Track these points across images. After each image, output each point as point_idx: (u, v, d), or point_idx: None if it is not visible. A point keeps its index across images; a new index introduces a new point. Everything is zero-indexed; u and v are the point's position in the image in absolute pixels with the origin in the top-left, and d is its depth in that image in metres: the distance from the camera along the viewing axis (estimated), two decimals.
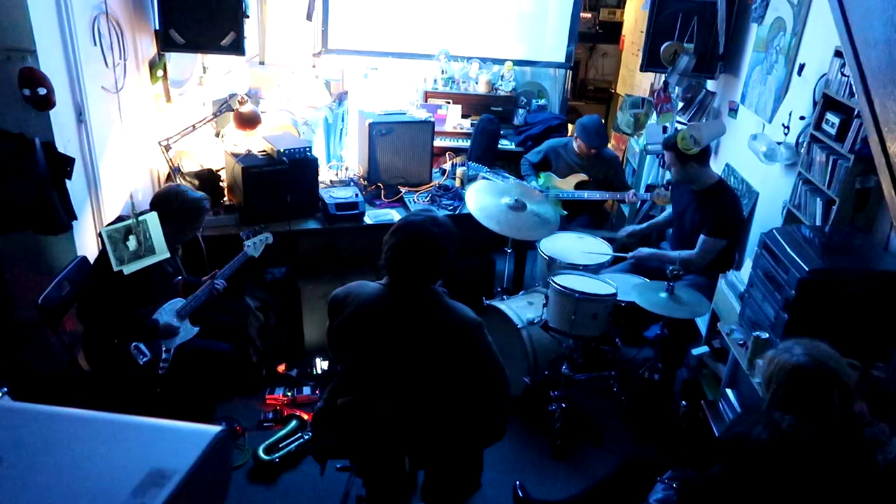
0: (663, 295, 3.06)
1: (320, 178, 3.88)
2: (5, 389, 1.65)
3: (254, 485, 2.91)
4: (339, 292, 2.25)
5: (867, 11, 1.59)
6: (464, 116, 5.37)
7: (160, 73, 3.78)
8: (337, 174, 4.24)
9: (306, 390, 3.42)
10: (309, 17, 5.02)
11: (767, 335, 2.65)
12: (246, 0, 3.73)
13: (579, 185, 4.34)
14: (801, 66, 3.41)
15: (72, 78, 2.80)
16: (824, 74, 3.13)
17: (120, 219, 2.63)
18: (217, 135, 4.20)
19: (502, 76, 5.50)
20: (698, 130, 3.51)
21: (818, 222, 3.01)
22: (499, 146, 5.16)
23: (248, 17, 3.83)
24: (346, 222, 3.71)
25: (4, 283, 2.66)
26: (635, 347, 3.75)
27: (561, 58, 5.60)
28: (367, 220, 3.77)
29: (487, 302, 3.52)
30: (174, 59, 3.91)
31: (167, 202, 2.82)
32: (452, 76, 5.44)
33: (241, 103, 3.65)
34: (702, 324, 3.63)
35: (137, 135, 3.54)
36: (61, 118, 2.70)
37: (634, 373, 3.45)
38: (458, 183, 4.25)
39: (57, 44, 2.69)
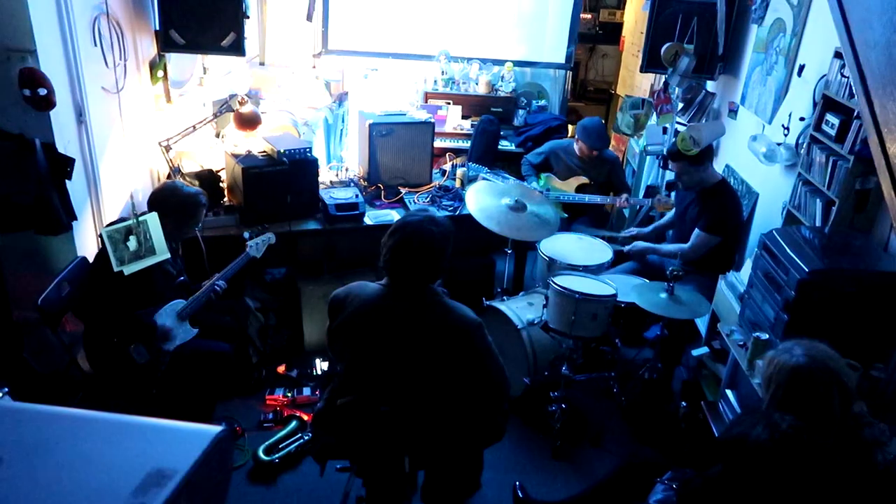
0: (663, 296, 3.06)
1: (320, 179, 3.88)
2: (5, 389, 1.65)
3: (254, 485, 2.91)
4: (339, 293, 2.25)
5: (867, 13, 1.60)
6: (464, 117, 5.37)
7: (160, 73, 3.78)
8: (337, 175, 4.24)
9: (306, 391, 3.42)
10: (309, 18, 5.03)
11: (767, 336, 2.66)
12: (246, 0, 3.73)
13: (580, 188, 4.34)
14: (801, 67, 3.42)
15: (72, 78, 2.80)
16: (824, 75, 3.14)
17: (121, 220, 2.63)
18: (217, 135, 4.20)
19: (502, 77, 5.50)
20: (698, 131, 3.52)
21: (818, 223, 3.02)
22: (499, 147, 5.17)
23: (248, 17, 3.83)
24: (346, 223, 3.71)
25: (4, 283, 2.66)
26: (635, 348, 3.75)
27: (561, 59, 5.60)
28: (368, 220, 3.77)
29: (487, 302, 3.53)
30: (174, 60, 3.91)
31: (164, 199, 2.84)
32: (452, 77, 5.44)
33: (241, 104, 3.66)
34: (702, 324, 3.63)
35: (138, 135, 3.54)
36: (61, 118, 2.70)
37: (634, 373, 3.45)
38: (458, 184, 4.25)
39: (57, 44, 2.69)
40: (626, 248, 3.79)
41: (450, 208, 3.97)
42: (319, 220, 3.75)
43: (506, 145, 5.31)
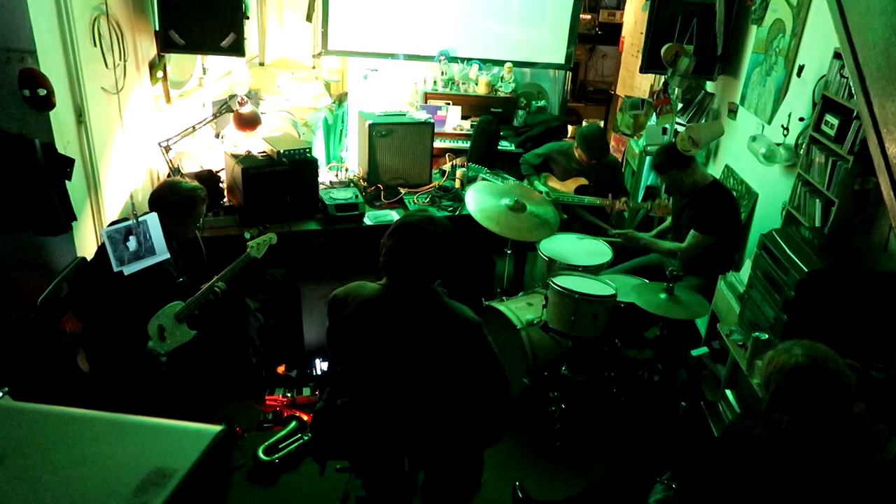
0: (662, 296, 3.06)
1: (320, 179, 3.88)
2: (5, 389, 1.65)
3: (254, 485, 2.91)
4: (338, 293, 2.25)
5: (866, 13, 1.60)
6: (463, 118, 5.38)
7: (160, 74, 3.78)
8: (337, 175, 4.24)
9: (306, 391, 3.42)
10: (309, 18, 5.03)
11: (767, 336, 2.66)
12: (246, 1, 3.74)
13: (579, 188, 4.34)
14: (801, 68, 3.42)
15: (72, 78, 2.80)
16: (823, 76, 3.14)
17: (121, 220, 2.63)
18: (217, 136, 4.21)
19: (502, 77, 5.50)
20: (696, 132, 3.52)
21: (817, 223, 3.02)
22: (498, 147, 5.17)
23: (248, 17, 3.84)
24: (345, 223, 3.71)
25: (4, 283, 2.66)
26: (635, 348, 3.75)
27: (561, 59, 5.61)
28: (367, 221, 3.77)
29: (487, 303, 3.53)
30: (174, 60, 3.91)
31: (163, 196, 2.84)
32: (452, 77, 5.44)
33: (241, 104, 3.66)
34: (701, 325, 3.64)
35: (137, 136, 3.54)
36: (61, 119, 2.70)
37: (634, 373, 3.45)
38: (457, 184, 4.25)
39: (57, 44, 2.70)
40: (617, 231, 3.85)
41: (449, 209, 3.97)
42: (319, 221, 3.75)
43: (505, 146, 5.31)
